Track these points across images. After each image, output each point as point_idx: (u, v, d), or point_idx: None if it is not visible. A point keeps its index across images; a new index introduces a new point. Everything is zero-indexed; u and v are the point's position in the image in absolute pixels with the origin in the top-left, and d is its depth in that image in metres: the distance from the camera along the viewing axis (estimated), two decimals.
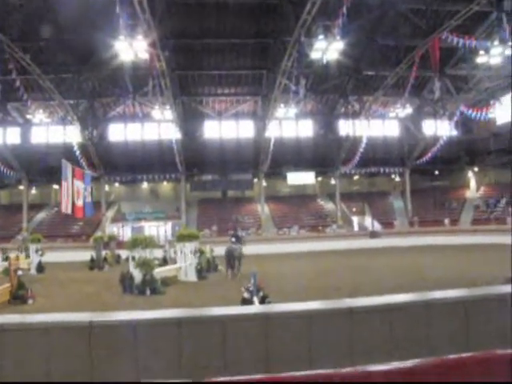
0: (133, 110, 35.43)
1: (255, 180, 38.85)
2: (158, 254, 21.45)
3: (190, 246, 18.54)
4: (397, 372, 1.15)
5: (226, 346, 2.80)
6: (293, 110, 30.99)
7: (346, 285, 14.03)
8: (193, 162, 36.69)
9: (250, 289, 9.54)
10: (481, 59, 25.75)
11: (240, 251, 18.91)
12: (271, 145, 34.29)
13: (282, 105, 31.01)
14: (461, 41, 25.24)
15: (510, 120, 36.56)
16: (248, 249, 29.07)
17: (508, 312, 2.59)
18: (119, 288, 15.14)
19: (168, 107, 31.44)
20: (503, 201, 36.78)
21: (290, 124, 37.44)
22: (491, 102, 32.55)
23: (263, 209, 38.22)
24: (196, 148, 36.33)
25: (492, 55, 24.55)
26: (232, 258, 18.33)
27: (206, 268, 19.75)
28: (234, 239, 22.60)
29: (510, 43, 23.56)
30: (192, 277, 18.01)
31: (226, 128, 37.92)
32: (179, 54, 30.81)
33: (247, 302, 9.12)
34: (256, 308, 5.34)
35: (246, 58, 33.28)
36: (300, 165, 37.22)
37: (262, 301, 9.09)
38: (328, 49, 22.99)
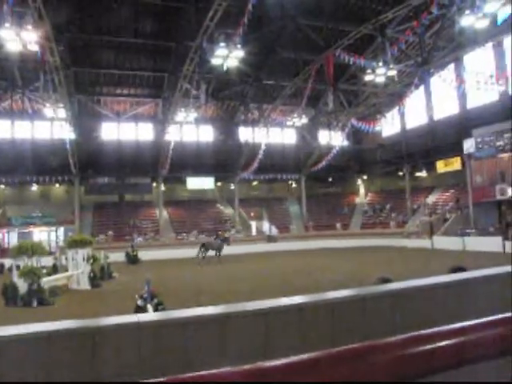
0: (22, 105, 32.79)
1: (154, 184, 38.06)
2: (48, 261, 20.12)
3: (82, 253, 17.66)
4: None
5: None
6: (193, 115, 30.93)
7: (243, 288, 14.32)
8: (88, 163, 34.89)
9: (144, 296, 9.39)
10: (368, 77, 27.89)
11: (218, 245, 26.09)
12: (171, 149, 33.86)
13: (182, 109, 30.82)
14: (352, 59, 27.19)
15: (393, 133, 40.16)
16: (146, 254, 28.63)
17: (375, 311, 2.86)
18: (1, 301, 13.95)
19: (62, 105, 29.64)
20: (387, 207, 40.05)
21: (191, 128, 37.38)
22: (378, 116, 35.40)
23: (162, 213, 37.57)
24: (92, 149, 34.69)
25: (377, 74, 26.77)
26: (207, 247, 25.72)
27: (100, 275, 18.95)
28: (215, 237, 28.46)
29: (391, 65, 25.92)
30: (85, 285, 17.16)
31: (124, 130, 36.76)
32: (76, 49, 29.25)
33: (141, 309, 8.97)
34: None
35: (147, 60, 32.65)
36: (200, 170, 37.25)
37: (157, 308, 9.00)
38: (229, 56, 23.38)
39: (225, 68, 25.03)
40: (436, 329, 1.02)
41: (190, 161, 36.76)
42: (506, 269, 3.89)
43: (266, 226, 38.77)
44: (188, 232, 36.54)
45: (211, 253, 26.06)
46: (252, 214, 39.41)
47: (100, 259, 20.07)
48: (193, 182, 38.59)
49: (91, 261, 18.13)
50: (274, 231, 37.78)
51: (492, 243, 25.17)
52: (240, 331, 2.49)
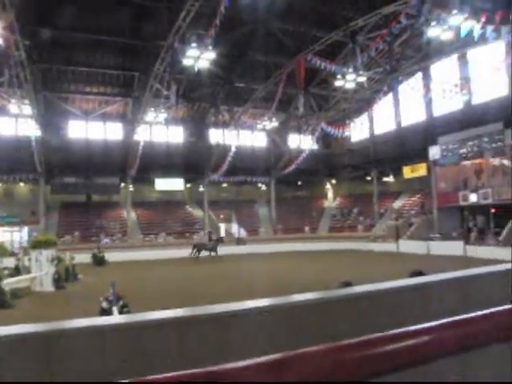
0: None
1: (122, 184, 37.45)
2: (11, 262, 19.51)
3: (46, 254, 17.21)
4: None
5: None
6: (163, 115, 30.67)
7: (211, 290, 14.25)
8: (54, 162, 33.96)
9: (110, 298, 9.23)
10: (338, 83, 28.33)
11: (212, 245, 27.82)
12: (140, 149, 33.41)
13: (152, 109, 30.52)
14: (323, 64, 27.58)
15: (361, 138, 40.88)
16: (113, 256, 28.13)
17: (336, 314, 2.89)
18: None
19: (27, 102, 28.84)
20: (355, 210, 40.68)
21: (161, 129, 37.04)
22: (347, 121, 35.96)
23: (129, 214, 37.01)
24: (59, 148, 33.81)
25: (347, 80, 27.24)
26: (200, 247, 27.79)
27: (64, 277, 18.51)
28: (208, 238, 29.45)
29: (361, 72, 26.42)
30: (48, 287, 16.72)
31: (92, 129, 36.10)
32: (44, 45, 28.47)
33: (106, 312, 8.81)
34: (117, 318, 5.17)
35: (117, 58, 32.18)
36: (169, 171, 36.88)
37: (122, 310, 8.86)
38: (200, 57, 23.34)
39: (196, 69, 24.98)
40: (400, 329, 1.04)
41: (159, 162, 36.37)
42: (466, 272, 4.03)
43: (235, 228, 38.73)
44: (156, 234, 36.11)
45: (202, 253, 27.70)
46: (221, 217, 39.32)
47: (65, 260, 19.60)
48: (162, 183, 38.20)
49: (55, 262, 17.67)
50: (243, 234, 37.79)
51: (454, 247, 25.92)
52: (201, 333, 2.48)
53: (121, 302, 9.28)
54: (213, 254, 27.77)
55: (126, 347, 2.68)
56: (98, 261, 27.34)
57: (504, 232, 25.40)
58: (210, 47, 22.86)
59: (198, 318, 2.62)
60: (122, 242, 34.28)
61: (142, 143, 33.27)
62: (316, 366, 0.88)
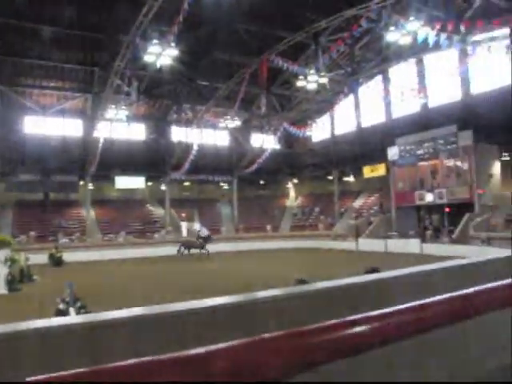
0: None
1: (81, 182, 36.50)
2: None
3: None
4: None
5: None
6: (124, 112, 30.10)
7: (170, 290, 14.14)
8: (9, 158, 32.69)
9: (67, 299, 9.00)
10: (300, 83, 28.65)
11: (200, 243, 28.42)
12: (100, 146, 32.66)
13: (113, 105, 29.89)
14: (285, 64, 27.84)
15: (323, 139, 41.51)
16: (71, 256, 27.40)
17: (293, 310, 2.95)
18: None
19: None
20: (316, 209, 41.27)
21: (121, 126, 36.30)
22: (309, 121, 36.43)
23: (89, 213, 36.13)
24: (14, 144, 32.65)
25: (309, 81, 27.61)
26: (189, 245, 28.58)
27: (19, 279, 17.90)
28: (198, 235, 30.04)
29: (323, 73, 26.85)
30: (1, 289, 16.11)
31: (50, 124, 35.01)
32: None
33: (62, 313, 8.59)
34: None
35: (77, 52, 31.30)
36: (130, 169, 36.26)
37: (79, 312, 8.67)
38: (162, 54, 23.06)
39: (158, 66, 24.68)
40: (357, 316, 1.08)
41: (119, 159, 35.69)
42: (419, 268, 4.20)
43: (196, 227, 38.46)
44: (116, 233, 35.41)
45: (190, 251, 28.55)
46: (183, 215, 38.98)
47: (19, 261, 18.91)
48: (122, 182, 37.47)
49: (9, 263, 17.04)
50: (205, 233, 37.58)
51: (411, 245, 26.76)
52: (157, 333, 2.49)
53: (78, 303, 9.07)
54: (203, 251, 28.06)
55: (82, 348, 2.65)
56: (56, 261, 26.54)
57: (457, 230, 26.43)
58: (173, 44, 22.63)
59: (156, 316, 2.62)
60: (80, 241, 33.41)
61: (102, 140, 32.53)
62: (267, 354, 0.90)
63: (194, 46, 30.07)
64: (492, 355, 4.30)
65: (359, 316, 0.90)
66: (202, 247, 28.45)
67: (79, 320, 2.70)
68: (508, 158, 28.75)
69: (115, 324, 2.45)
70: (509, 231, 22.96)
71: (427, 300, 1.03)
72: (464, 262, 5.09)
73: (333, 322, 0.88)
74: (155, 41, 22.49)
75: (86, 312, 8.43)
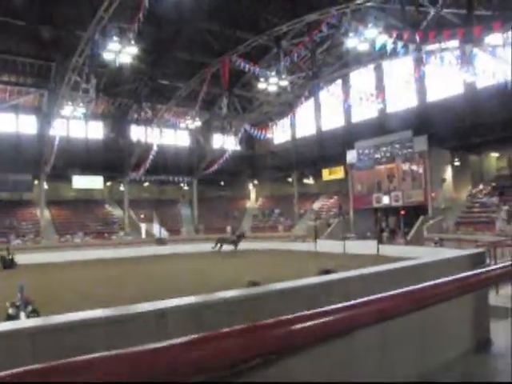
0: None
1: (36, 181, 35.26)
2: None
3: None
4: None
5: None
6: (82, 110, 29.29)
7: (125, 293, 13.90)
8: None
9: (17, 304, 8.66)
10: (262, 85, 28.84)
11: (233, 239, 29.49)
12: (56, 144, 31.67)
13: (70, 102, 29.04)
14: (247, 66, 27.94)
15: (284, 141, 41.90)
16: (24, 258, 26.40)
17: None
18: None
19: None
20: (276, 211, 41.59)
21: (79, 124, 35.38)
22: (270, 123, 36.68)
23: (43, 213, 34.94)
24: None
25: (270, 83, 27.85)
26: (222, 241, 29.41)
27: None
28: (231, 233, 32.40)
29: (284, 76, 27.15)
30: None
31: (2, 121, 33.66)
32: None
33: (12, 318, 8.25)
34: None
35: (32, 45, 30.18)
36: (88, 168, 35.31)
37: (30, 316, 8.35)
38: (122, 52, 22.62)
39: (117, 63, 24.18)
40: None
41: (77, 158, 34.70)
42: (371, 270, 4.32)
43: (156, 228, 38.00)
44: (73, 234, 34.44)
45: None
46: (142, 216, 38.40)
47: None
48: (79, 181, 36.42)
49: None
50: (164, 234, 37.20)
51: (368, 246, 27.36)
52: (107, 337, 2.45)
53: (30, 308, 8.73)
54: (236, 248, 29.03)
55: (31, 352, 2.58)
56: (7, 263, 25.53)
57: (412, 232, 27.29)
58: (133, 42, 22.26)
59: (106, 319, 2.57)
60: (34, 242, 32.29)
61: (58, 138, 31.56)
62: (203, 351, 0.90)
63: (156, 45, 29.74)
64: (436, 348, 4.48)
65: (296, 315, 0.93)
66: (235, 244, 29.30)
67: (28, 325, 2.62)
68: (459, 163, 29.97)
69: (64, 328, 2.39)
70: (459, 233, 23.97)
71: (363, 299, 1.08)
72: (415, 262, 5.28)
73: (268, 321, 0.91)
74: (115, 38, 22.04)
75: (38, 316, 8.15)
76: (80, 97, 28.72)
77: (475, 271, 1.67)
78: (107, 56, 23.27)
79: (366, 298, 1.07)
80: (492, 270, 1.98)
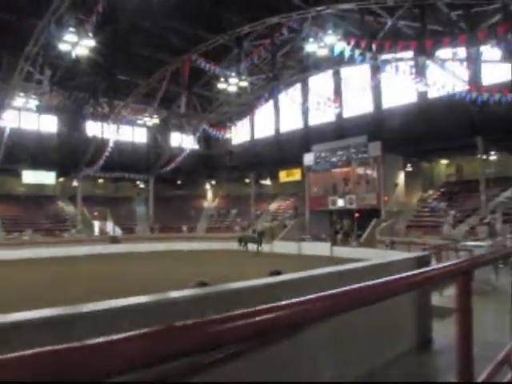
0: None
1: None
2: None
3: None
4: None
5: None
6: (35, 102, 28.31)
7: (71, 293, 13.55)
8: None
9: None
10: (221, 85, 28.85)
11: (256, 238, 29.77)
12: (5, 137, 30.36)
13: (22, 93, 27.97)
14: (208, 65, 27.87)
15: (242, 141, 42.05)
16: None
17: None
18: None
19: None
20: (233, 211, 41.61)
21: (31, 116, 34.09)
22: (229, 124, 36.73)
23: None
24: None
25: (230, 84, 27.91)
26: (246, 240, 30.53)
27: None
28: (251, 232, 32.60)
29: (244, 77, 27.28)
30: None
31: None
32: None
33: None
34: None
35: None
36: (39, 162, 33.98)
37: None
38: (79, 44, 22.04)
39: (74, 56, 23.54)
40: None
41: (28, 152, 33.26)
42: (322, 270, 4.44)
43: (109, 226, 37.16)
44: (21, 231, 33.07)
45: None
46: (96, 214, 37.44)
47: None
48: (30, 176, 35.02)
49: None
50: (118, 232, 36.43)
51: (323, 248, 27.92)
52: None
53: None
54: (260, 247, 29.36)
55: None
56: None
57: (365, 234, 28.05)
58: (91, 34, 21.74)
59: (48, 319, 2.52)
60: None
61: (7, 130, 30.28)
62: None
63: (115, 39, 29.05)
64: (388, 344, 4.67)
65: (235, 312, 0.97)
66: (259, 242, 29.60)
67: None
68: (411, 169, 31.09)
69: (4, 328, 2.32)
70: (410, 236, 24.84)
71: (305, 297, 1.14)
72: (366, 264, 5.48)
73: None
74: (71, 29, 21.44)
75: None
76: (33, 88, 27.78)
77: (419, 270, 1.79)
78: (63, 47, 22.60)
79: (313, 296, 1.13)
80: (434, 269, 2.11)
